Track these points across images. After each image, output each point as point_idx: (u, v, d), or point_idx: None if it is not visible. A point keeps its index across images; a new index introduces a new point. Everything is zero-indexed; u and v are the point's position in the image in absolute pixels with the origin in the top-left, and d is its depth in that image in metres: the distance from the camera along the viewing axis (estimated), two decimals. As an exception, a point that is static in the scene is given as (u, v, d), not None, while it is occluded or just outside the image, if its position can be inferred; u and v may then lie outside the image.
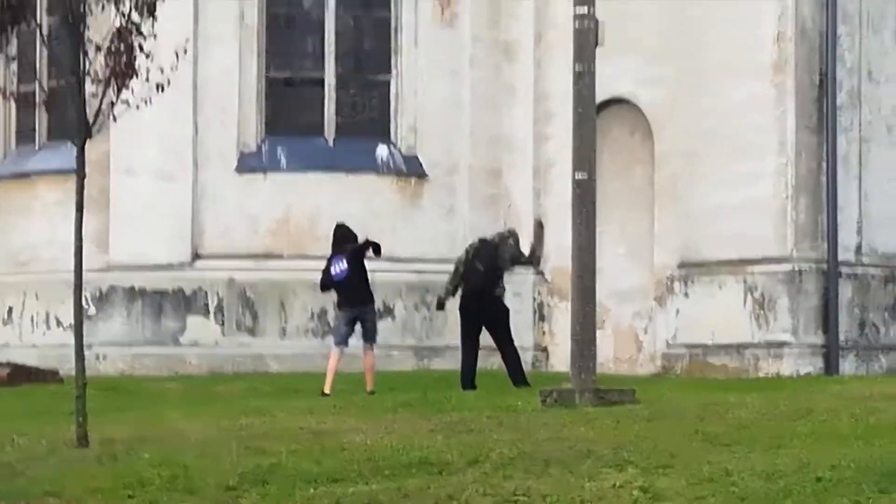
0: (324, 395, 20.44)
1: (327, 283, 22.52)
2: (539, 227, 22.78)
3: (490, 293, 21.95)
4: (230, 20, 27.03)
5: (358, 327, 22.52)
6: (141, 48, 15.49)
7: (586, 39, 19.86)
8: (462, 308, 22.12)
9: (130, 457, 13.79)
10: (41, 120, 27.22)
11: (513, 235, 22.88)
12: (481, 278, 21.92)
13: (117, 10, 15.21)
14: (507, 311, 22.22)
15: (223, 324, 27.00)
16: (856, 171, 25.46)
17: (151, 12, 15.37)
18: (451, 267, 23.48)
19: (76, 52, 15.54)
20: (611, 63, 21.32)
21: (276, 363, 26.20)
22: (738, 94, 25.48)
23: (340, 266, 21.89)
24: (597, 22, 19.97)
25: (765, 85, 25.35)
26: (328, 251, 22.67)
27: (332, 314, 24.48)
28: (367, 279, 22.19)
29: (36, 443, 14.81)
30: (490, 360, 22.13)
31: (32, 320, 27.73)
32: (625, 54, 23.76)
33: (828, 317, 25.06)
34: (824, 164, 25.13)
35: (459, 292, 22.51)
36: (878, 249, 25.73)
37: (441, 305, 23.05)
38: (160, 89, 16.26)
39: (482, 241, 22.50)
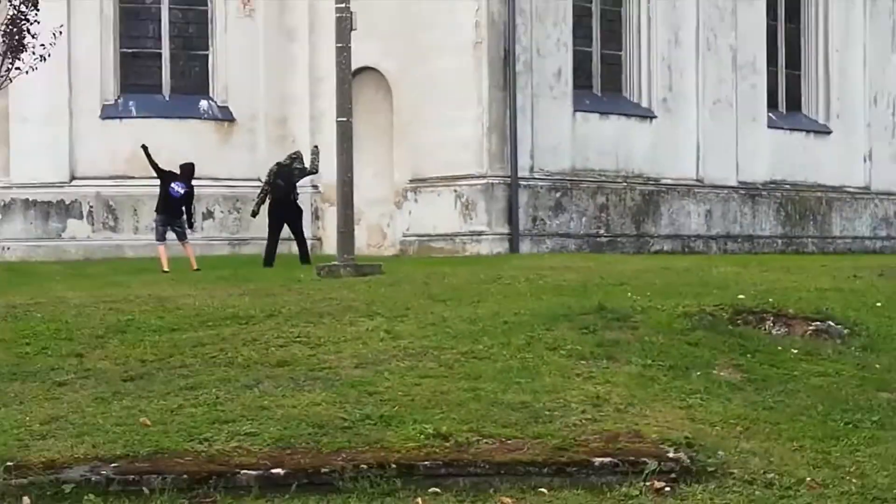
0: (163, 272, 20.34)
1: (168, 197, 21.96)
2: (316, 148, 23.20)
3: (291, 200, 22.75)
4: (94, 12, 26.61)
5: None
6: (28, 31, 15.41)
7: (345, 26, 20.01)
8: (272, 211, 22.79)
9: (27, 316, 13.68)
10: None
11: (298, 157, 23.11)
12: (283, 191, 22.55)
13: (10, 3, 15.14)
14: (300, 210, 22.89)
15: (93, 224, 26.73)
16: (529, 116, 25.87)
17: (35, 4, 15.33)
18: (256, 183, 23.86)
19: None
20: (361, 42, 21.48)
21: (132, 251, 25.86)
22: (450, 64, 25.72)
23: (180, 188, 21.71)
24: (351, 13, 20.18)
25: (467, 58, 25.67)
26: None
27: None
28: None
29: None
30: (281, 247, 22.30)
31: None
32: (370, 35, 23.76)
33: (511, 214, 25.53)
34: (508, 112, 25.57)
35: (268, 201, 22.96)
36: (544, 168, 26.10)
37: (254, 214, 23.46)
38: (43, 60, 16.29)
39: (279, 165, 22.82)
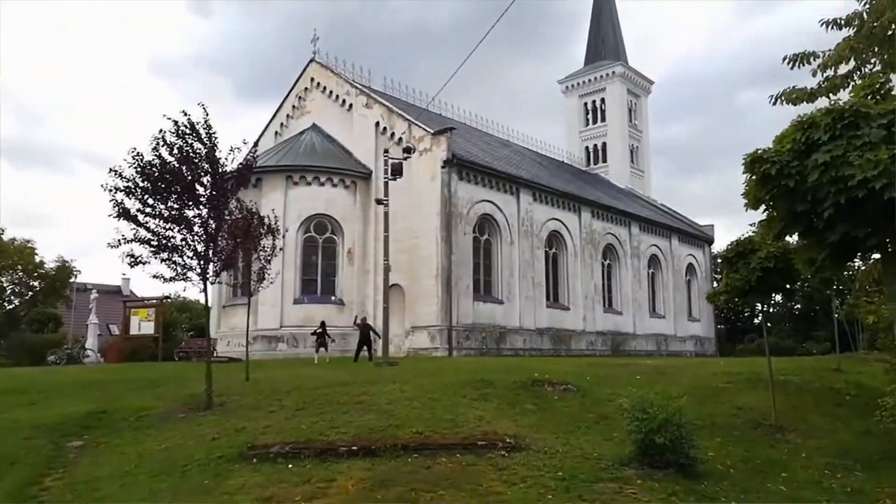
0: (315, 363, 19.17)
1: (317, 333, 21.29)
2: (364, 318, 22.40)
3: (369, 335, 20.98)
4: (291, 265, 26.47)
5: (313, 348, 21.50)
6: (267, 273, 15.04)
7: (386, 269, 19.84)
8: (360, 339, 20.90)
9: (259, 382, 13.30)
10: (236, 290, 26.08)
11: (365, 317, 22.35)
12: (367, 332, 20.94)
13: (259, 262, 14.89)
14: (370, 338, 21.14)
15: (287, 345, 26.37)
16: (456, 303, 25.34)
17: (269, 262, 14.87)
18: (351, 327, 23.14)
19: (249, 279, 15.22)
20: (394, 274, 21.34)
21: (304, 355, 24.86)
22: (427, 283, 25.40)
23: (319, 329, 21.05)
24: (389, 266, 19.96)
25: (433, 281, 25.21)
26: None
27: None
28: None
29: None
30: (363, 354, 21.51)
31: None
32: (397, 272, 23.48)
33: (450, 340, 24.96)
34: (449, 301, 25.13)
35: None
36: (462, 323, 25.51)
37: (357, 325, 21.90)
38: (271, 283, 15.78)
39: (363, 321, 22.04)
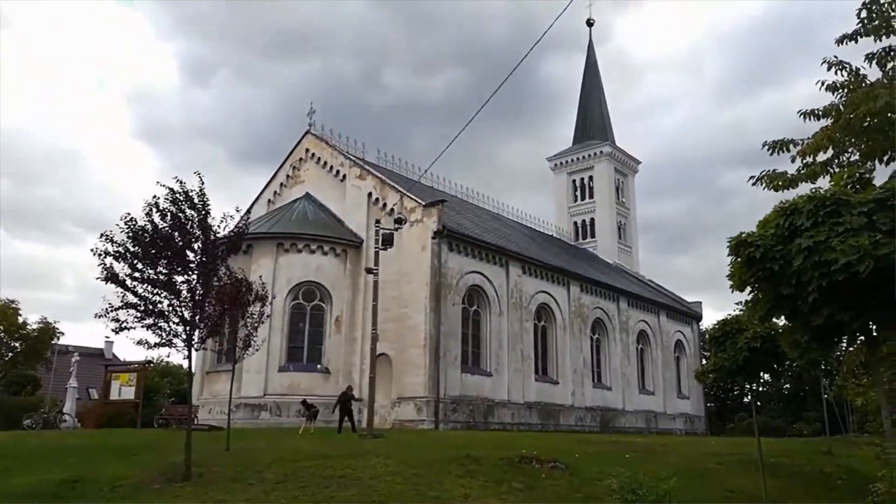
0: (299, 434, 18.95)
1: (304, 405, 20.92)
2: (350, 387, 22.05)
3: (350, 404, 20.69)
4: (278, 328, 26.18)
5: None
6: (253, 341, 14.81)
7: (374, 338, 19.64)
8: (340, 410, 20.64)
9: (238, 451, 12.93)
10: (220, 356, 25.72)
11: (350, 387, 21.84)
12: (348, 400, 20.68)
13: (246, 328, 14.69)
14: (350, 409, 20.90)
15: (271, 414, 25.70)
16: (444, 374, 25.01)
17: (256, 329, 14.70)
18: (334, 396, 22.66)
19: (234, 346, 15.02)
20: (381, 343, 21.19)
21: (287, 426, 24.29)
22: (415, 352, 25.28)
23: (308, 401, 20.76)
24: (377, 333, 19.78)
25: (421, 350, 25.12)
26: None
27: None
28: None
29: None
30: (345, 425, 21.05)
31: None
32: (385, 340, 23.41)
33: (436, 413, 24.57)
34: (436, 372, 24.85)
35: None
36: (449, 394, 25.29)
37: (333, 409, 21.40)
38: (257, 350, 15.45)
39: (348, 389, 21.61)
